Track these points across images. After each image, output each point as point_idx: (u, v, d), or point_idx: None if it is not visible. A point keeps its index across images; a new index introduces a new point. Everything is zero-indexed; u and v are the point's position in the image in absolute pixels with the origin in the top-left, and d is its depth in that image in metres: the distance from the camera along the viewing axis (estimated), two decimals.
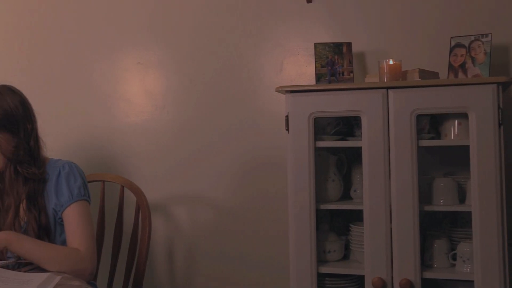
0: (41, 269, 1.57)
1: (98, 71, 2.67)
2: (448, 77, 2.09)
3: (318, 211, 2.06)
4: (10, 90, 1.73)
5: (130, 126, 2.62)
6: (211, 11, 2.52)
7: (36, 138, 1.76)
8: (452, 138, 2.01)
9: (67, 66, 2.71)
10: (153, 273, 2.58)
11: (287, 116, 2.07)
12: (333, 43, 2.22)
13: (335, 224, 2.24)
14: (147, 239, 2.13)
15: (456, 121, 1.99)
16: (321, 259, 2.09)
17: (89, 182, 2.24)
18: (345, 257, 2.17)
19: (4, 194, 1.72)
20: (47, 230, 1.69)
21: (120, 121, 2.64)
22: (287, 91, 2.07)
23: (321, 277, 2.07)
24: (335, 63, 2.19)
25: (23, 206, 1.68)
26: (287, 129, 2.07)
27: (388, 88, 1.97)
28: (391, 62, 2.07)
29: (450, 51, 2.10)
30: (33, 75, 2.71)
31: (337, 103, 2.04)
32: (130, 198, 2.25)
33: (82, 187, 1.73)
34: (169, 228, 2.58)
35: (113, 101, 2.65)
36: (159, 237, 2.58)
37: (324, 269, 2.07)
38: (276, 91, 2.10)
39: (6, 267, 1.55)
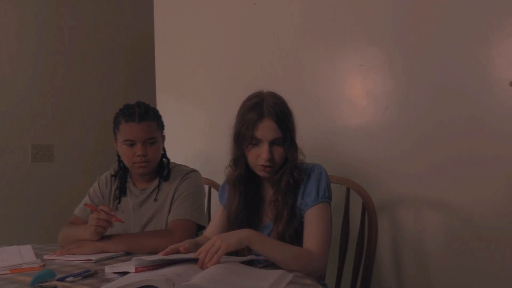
0: (273, 266, 1.65)
1: (320, 74, 2.74)
2: None
3: None
4: None
5: (352, 128, 2.64)
6: (431, 7, 2.42)
7: None
8: None
9: (289, 68, 2.84)
10: (379, 275, 2.56)
11: None
12: None
13: None
14: (374, 241, 2.13)
15: None
16: None
17: None
18: None
19: (277, 202, 1.82)
20: (298, 235, 1.78)
21: (343, 122, 2.67)
22: None
23: None
24: None
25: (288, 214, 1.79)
26: None
27: None
28: None
29: None
30: (249, 78, 2.89)
31: None
32: (356, 200, 2.27)
33: (327, 188, 1.80)
34: (395, 231, 2.53)
35: (335, 103, 2.70)
36: (385, 239, 2.55)
37: None
38: (511, 85, 1.93)
39: (246, 262, 1.66)
